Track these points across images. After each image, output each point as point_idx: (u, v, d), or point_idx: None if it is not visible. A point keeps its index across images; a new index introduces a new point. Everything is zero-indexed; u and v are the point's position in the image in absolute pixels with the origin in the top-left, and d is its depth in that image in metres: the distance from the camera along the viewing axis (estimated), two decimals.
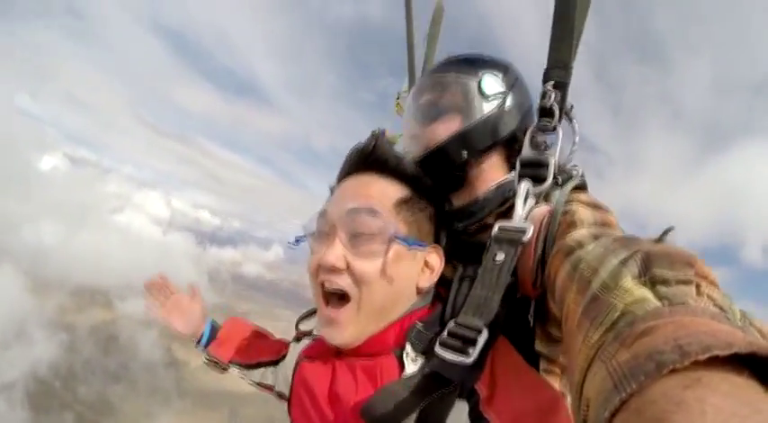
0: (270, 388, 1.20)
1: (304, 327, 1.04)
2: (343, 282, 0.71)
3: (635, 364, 0.32)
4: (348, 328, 0.71)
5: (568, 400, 0.67)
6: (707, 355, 0.28)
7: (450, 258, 0.83)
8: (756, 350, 0.28)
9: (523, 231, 0.70)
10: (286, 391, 0.98)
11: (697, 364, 0.29)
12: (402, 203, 0.76)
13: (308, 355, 0.84)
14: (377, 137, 0.80)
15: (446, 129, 0.93)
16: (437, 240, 0.81)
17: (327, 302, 0.74)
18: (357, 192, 0.76)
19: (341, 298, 0.73)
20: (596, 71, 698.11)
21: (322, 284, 0.74)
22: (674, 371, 0.29)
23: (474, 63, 0.99)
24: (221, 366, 1.27)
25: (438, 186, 0.90)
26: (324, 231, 0.76)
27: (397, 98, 1.79)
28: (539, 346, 0.77)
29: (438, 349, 0.62)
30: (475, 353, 0.60)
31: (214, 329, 1.28)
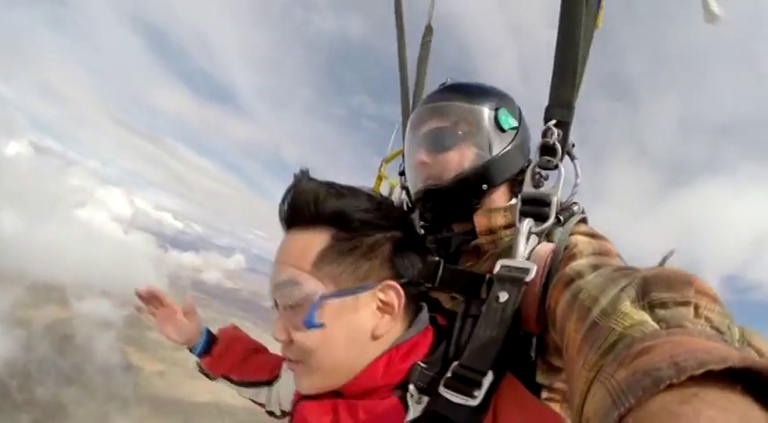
0: (262, 405, 1.23)
1: None
2: (291, 353, 0.71)
3: (633, 380, 0.33)
4: (304, 383, 0.71)
5: None
6: (702, 370, 0.30)
7: (446, 288, 0.82)
8: (750, 365, 0.29)
9: (527, 271, 0.70)
10: (276, 412, 1.08)
11: (693, 380, 0.30)
12: (325, 255, 0.69)
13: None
14: (291, 188, 0.74)
15: (461, 159, 0.94)
16: (397, 271, 0.73)
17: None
18: (279, 260, 0.72)
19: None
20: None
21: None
22: (671, 386, 0.30)
23: (483, 93, 1.00)
24: (212, 377, 1.26)
25: (444, 215, 0.96)
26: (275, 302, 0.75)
27: (381, 167, 1.73)
28: (540, 378, 0.77)
29: (442, 390, 0.61)
30: (480, 395, 0.59)
31: (209, 340, 1.23)
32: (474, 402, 0.58)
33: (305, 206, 0.71)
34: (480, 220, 0.93)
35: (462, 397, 0.59)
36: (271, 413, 1.20)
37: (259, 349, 1.29)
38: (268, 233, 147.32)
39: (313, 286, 0.68)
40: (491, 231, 0.92)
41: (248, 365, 1.23)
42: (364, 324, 0.70)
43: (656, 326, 0.42)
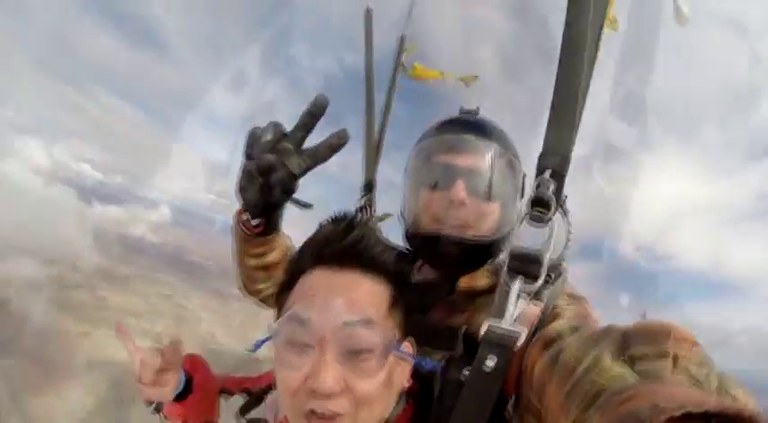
0: None
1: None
2: (340, 406, 0.61)
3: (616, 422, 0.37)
4: None
5: None
6: (681, 412, 0.32)
7: (418, 342, 0.75)
8: (725, 409, 0.32)
9: (516, 337, 0.64)
10: None
11: (672, 421, 0.33)
12: (392, 306, 0.69)
13: None
14: (363, 226, 0.71)
15: (499, 216, 0.90)
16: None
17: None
18: (346, 297, 0.65)
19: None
20: (502, 66, 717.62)
21: (310, 411, 0.62)
22: None
23: (507, 140, 0.96)
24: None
25: (462, 269, 0.91)
26: (305, 343, 0.64)
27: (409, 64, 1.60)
28: None
29: None
30: None
31: (185, 384, 1.00)
32: None
33: (378, 252, 0.70)
34: (463, 279, 0.92)
35: None
36: None
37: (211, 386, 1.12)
38: (193, 185, 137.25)
39: (389, 331, 0.66)
40: (471, 292, 0.91)
41: (201, 407, 1.08)
42: (402, 379, 0.70)
43: (637, 378, 0.44)
